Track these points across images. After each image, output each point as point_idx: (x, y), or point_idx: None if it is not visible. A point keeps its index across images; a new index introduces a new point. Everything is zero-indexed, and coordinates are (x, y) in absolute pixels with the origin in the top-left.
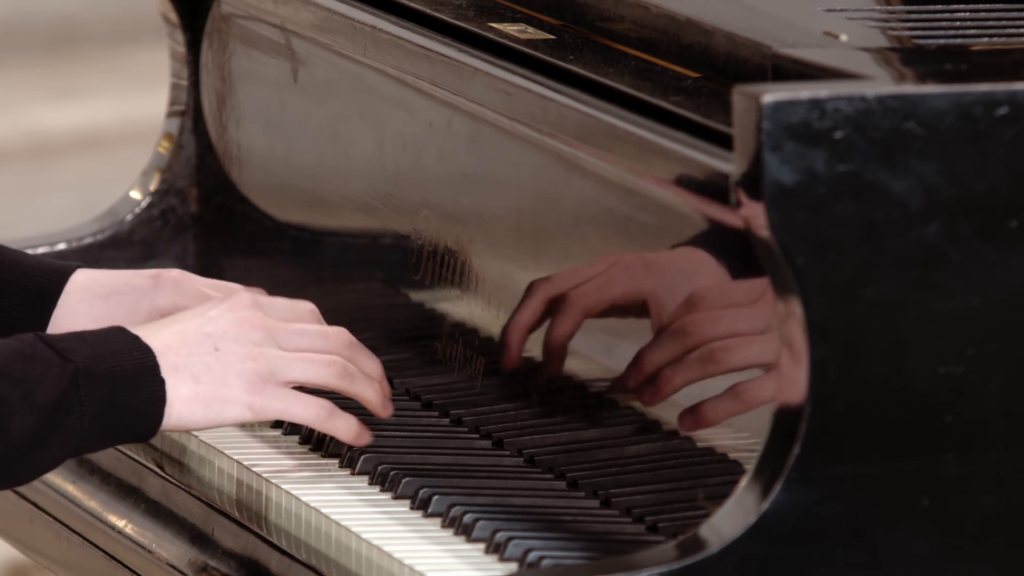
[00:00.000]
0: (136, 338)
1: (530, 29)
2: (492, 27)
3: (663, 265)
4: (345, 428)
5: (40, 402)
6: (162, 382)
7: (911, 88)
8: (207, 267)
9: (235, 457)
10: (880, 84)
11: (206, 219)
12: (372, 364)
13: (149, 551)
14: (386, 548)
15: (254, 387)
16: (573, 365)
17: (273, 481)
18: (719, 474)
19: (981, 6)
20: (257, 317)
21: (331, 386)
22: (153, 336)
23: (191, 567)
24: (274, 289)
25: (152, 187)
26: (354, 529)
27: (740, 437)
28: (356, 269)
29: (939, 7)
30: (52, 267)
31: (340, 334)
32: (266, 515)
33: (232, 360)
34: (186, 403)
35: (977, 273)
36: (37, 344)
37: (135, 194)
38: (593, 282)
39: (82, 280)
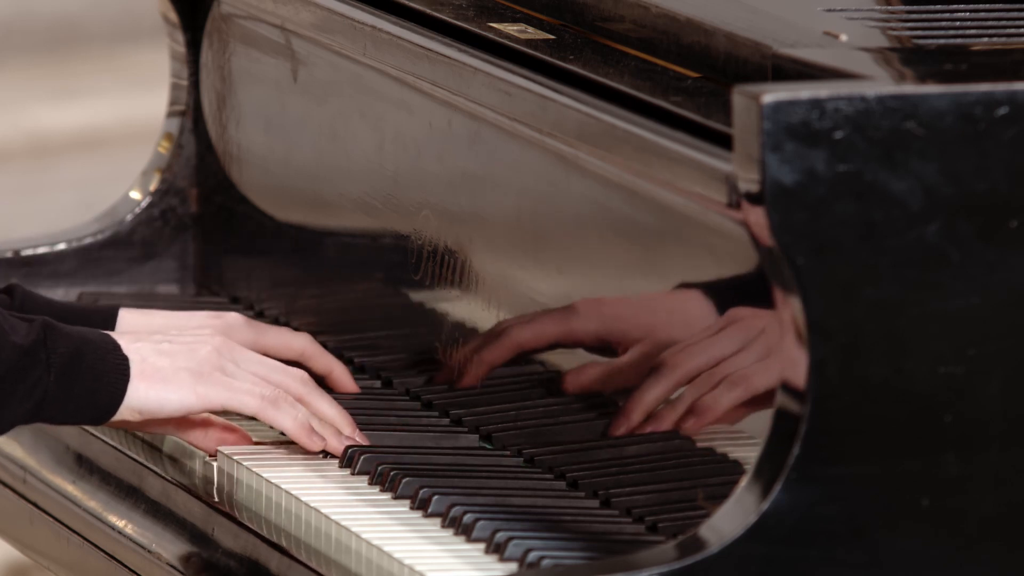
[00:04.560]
0: (94, 329)
1: (530, 29)
2: (492, 27)
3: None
4: (290, 423)
5: (12, 343)
6: (125, 358)
7: (911, 88)
8: (207, 267)
9: (235, 457)
10: (880, 84)
11: (206, 219)
12: (329, 408)
13: (149, 551)
14: (386, 548)
15: (200, 375)
16: (572, 365)
17: (273, 481)
18: (719, 474)
19: (981, 6)
20: (212, 340)
21: (285, 387)
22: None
23: (191, 567)
24: (274, 289)
25: (152, 187)
26: (354, 529)
27: (740, 437)
28: (356, 269)
29: (939, 7)
30: (97, 311)
31: (297, 373)
32: (266, 515)
33: (182, 348)
34: (131, 381)
35: (977, 273)
36: (2, 311)
37: (135, 194)
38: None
39: (132, 322)
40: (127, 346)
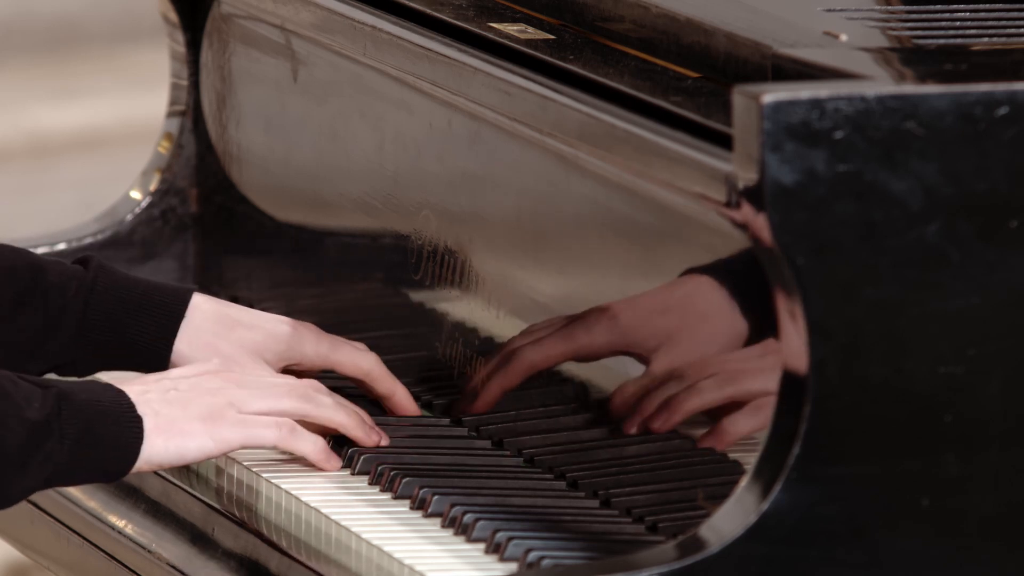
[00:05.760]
0: (109, 384)
1: (530, 29)
2: (492, 27)
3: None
4: (311, 448)
5: (28, 418)
6: (139, 419)
7: (911, 88)
8: (207, 267)
9: (235, 456)
10: (880, 84)
11: (206, 219)
12: (336, 415)
13: (149, 551)
14: (386, 548)
15: (213, 419)
16: (573, 367)
17: (273, 481)
18: (719, 474)
19: (981, 6)
20: (217, 369)
21: (295, 412)
22: (119, 384)
23: (191, 567)
24: (274, 289)
25: (152, 187)
26: (354, 529)
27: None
28: (356, 269)
29: (939, 7)
30: (171, 293)
31: (303, 383)
32: (266, 515)
33: (190, 397)
34: (147, 438)
35: (977, 273)
36: (17, 377)
37: (135, 194)
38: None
39: (205, 308)
40: (138, 398)
